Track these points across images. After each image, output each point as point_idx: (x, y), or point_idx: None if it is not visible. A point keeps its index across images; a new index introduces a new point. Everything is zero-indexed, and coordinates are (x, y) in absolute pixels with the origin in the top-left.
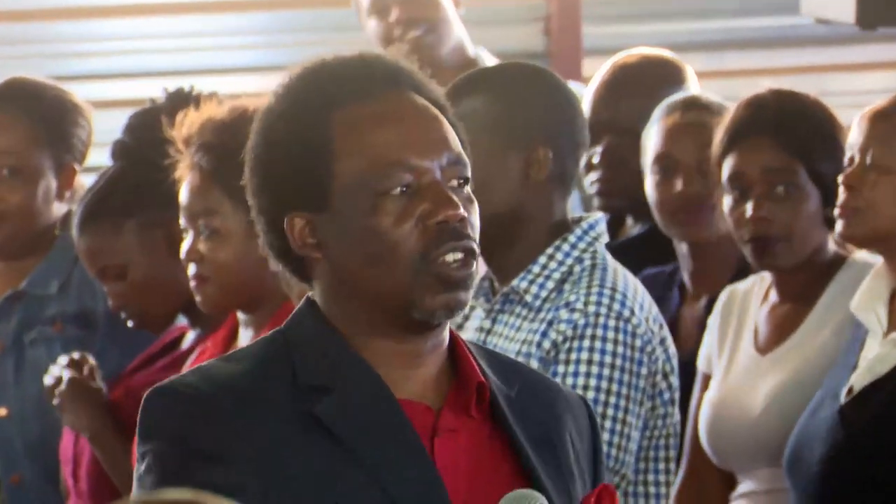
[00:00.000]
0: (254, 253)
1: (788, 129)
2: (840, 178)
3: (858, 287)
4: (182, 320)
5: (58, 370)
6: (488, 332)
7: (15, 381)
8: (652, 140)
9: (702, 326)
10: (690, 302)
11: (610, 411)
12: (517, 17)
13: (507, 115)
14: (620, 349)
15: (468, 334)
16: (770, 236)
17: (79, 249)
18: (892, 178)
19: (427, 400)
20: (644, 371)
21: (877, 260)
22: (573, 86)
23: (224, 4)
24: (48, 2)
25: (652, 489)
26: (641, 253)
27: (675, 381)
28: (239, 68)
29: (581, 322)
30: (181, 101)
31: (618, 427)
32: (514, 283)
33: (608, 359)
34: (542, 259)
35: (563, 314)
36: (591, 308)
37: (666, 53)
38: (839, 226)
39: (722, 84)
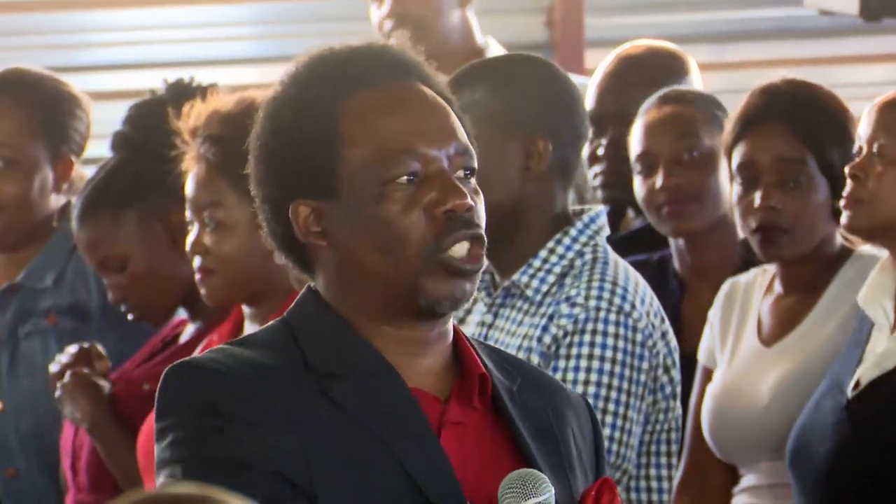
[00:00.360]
0: (259, 245)
1: (801, 119)
2: (847, 168)
3: (864, 280)
4: (182, 313)
5: (66, 358)
6: (490, 326)
7: (9, 374)
8: (633, 140)
9: (705, 321)
10: (693, 296)
11: (611, 406)
12: (520, 8)
13: (506, 106)
14: (621, 343)
15: (469, 328)
16: (777, 226)
17: (78, 241)
18: None
19: (435, 390)
20: (645, 365)
21: (883, 253)
22: (575, 78)
23: None
24: None
25: (654, 483)
26: (643, 246)
27: (676, 374)
28: (239, 59)
29: (582, 316)
30: (181, 92)
31: (619, 422)
32: (515, 277)
33: (609, 353)
34: (543, 253)
35: (564, 308)
36: (592, 302)
37: (669, 45)
38: (844, 216)
39: (725, 76)
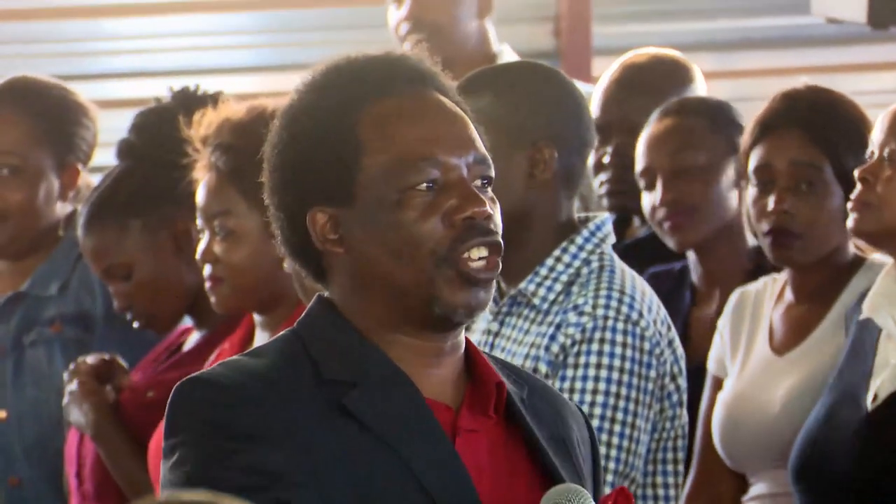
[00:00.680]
0: (269, 254)
1: (819, 125)
2: (856, 172)
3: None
4: (188, 321)
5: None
6: (496, 334)
7: (14, 383)
8: (637, 154)
9: (714, 329)
10: (702, 305)
11: (619, 415)
12: (527, 16)
13: (511, 113)
14: (629, 352)
15: (475, 336)
16: (790, 231)
17: (84, 249)
18: None
19: (447, 399)
20: (653, 374)
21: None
22: (582, 86)
23: (230, 4)
24: (54, 0)
25: (661, 491)
26: (649, 254)
27: (682, 382)
28: (244, 68)
29: (589, 325)
30: (187, 100)
31: (627, 430)
32: (522, 285)
33: (617, 362)
34: (549, 261)
35: (572, 317)
36: (600, 311)
37: (674, 53)
38: (851, 219)
39: (732, 84)
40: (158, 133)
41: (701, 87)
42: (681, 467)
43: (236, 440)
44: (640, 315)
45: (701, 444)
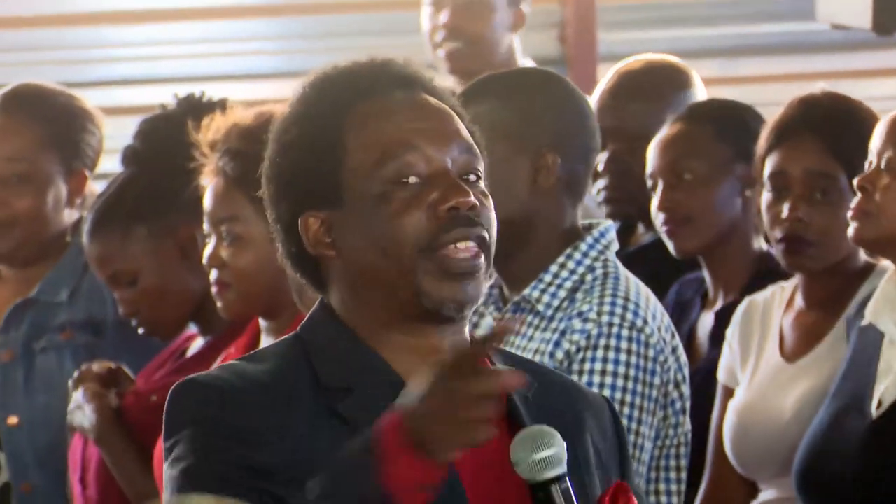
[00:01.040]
0: (276, 259)
1: (835, 134)
2: (855, 181)
3: None
4: (192, 327)
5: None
6: None
7: (25, 389)
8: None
9: (711, 336)
10: (707, 310)
11: (623, 421)
12: (532, 23)
13: (515, 119)
14: (634, 359)
15: None
16: (803, 238)
17: (89, 255)
18: None
19: None
20: (657, 381)
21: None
22: None
23: (236, 10)
24: (60, 8)
25: (663, 498)
26: (653, 261)
27: (686, 390)
28: (250, 74)
29: (594, 332)
30: (192, 107)
31: (631, 437)
32: (526, 292)
33: (622, 369)
34: (554, 268)
35: (576, 324)
36: (605, 318)
37: (670, 58)
38: (851, 228)
39: (737, 90)
40: (163, 140)
41: (700, 91)
42: (683, 475)
43: (230, 438)
44: (645, 322)
45: (713, 453)
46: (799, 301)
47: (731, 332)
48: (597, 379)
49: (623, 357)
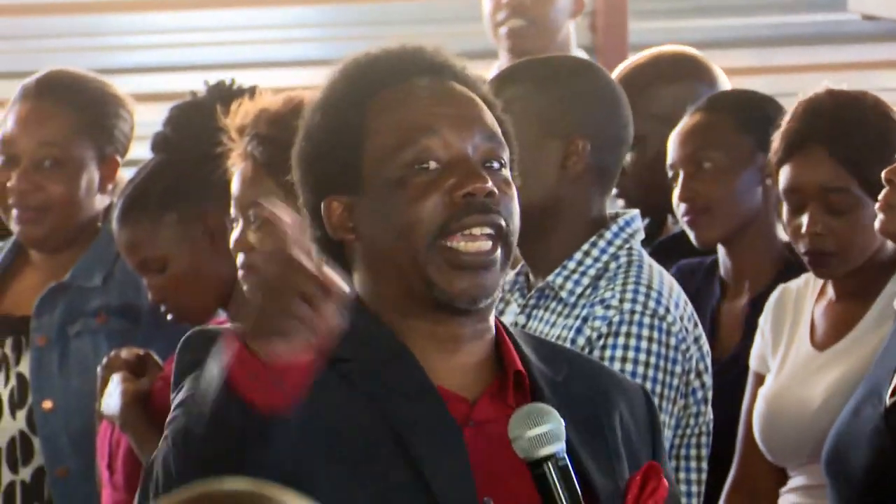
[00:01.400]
0: None
1: (844, 143)
2: (883, 174)
3: None
4: (221, 314)
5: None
6: (523, 327)
7: (60, 373)
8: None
9: (747, 325)
10: (731, 299)
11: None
12: None
13: (548, 104)
14: (655, 347)
15: None
16: (825, 251)
17: (119, 242)
18: None
19: (466, 389)
20: (678, 369)
21: None
22: None
23: None
24: None
25: (683, 487)
26: (680, 251)
27: (707, 379)
28: (281, 62)
29: (616, 319)
30: (222, 94)
31: None
32: (550, 278)
33: (643, 356)
34: (578, 255)
35: (598, 311)
36: (627, 305)
37: (679, 48)
38: (877, 221)
39: (769, 80)
40: (193, 126)
41: (709, 80)
42: (704, 464)
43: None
44: (667, 310)
45: (742, 440)
46: (830, 290)
47: (764, 319)
48: (617, 366)
49: (644, 344)
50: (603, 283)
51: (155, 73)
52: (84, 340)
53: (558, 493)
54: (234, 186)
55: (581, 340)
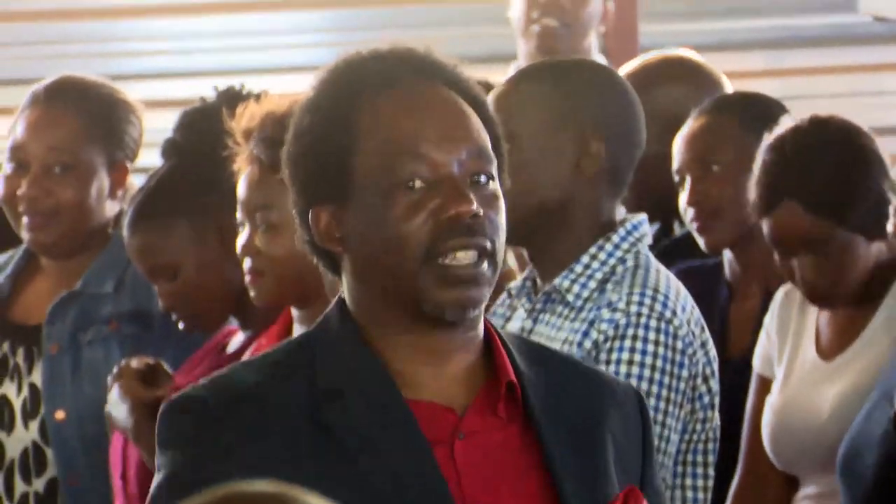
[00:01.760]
0: None
1: (815, 193)
2: None
3: None
4: (233, 322)
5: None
6: (530, 332)
7: (72, 381)
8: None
9: (759, 326)
10: (740, 301)
11: (650, 412)
12: None
13: (565, 104)
14: (662, 350)
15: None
16: (822, 293)
17: (129, 249)
18: None
19: (455, 400)
20: (685, 373)
21: None
22: None
23: (275, 4)
24: (103, 1)
25: (689, 493)
26: (685, 254)
27: (714, 385)
28: (291, 67)
29: (623, 322)
30: (232, 99)
31: (657, 428)
32: (557, 281)
33: (649, 359)
34: (585, 258)
35: (605, 314)
36: (633, 308)
37: (673, 52)
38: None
39: (780, 83)
40: (204, 132)
41: (708, 84)
42: (710, 470)
43: (207, 458)
44: (674, 314)
45: (747, 444)
46: None
47: (769, 320)
48: (623, 369)
49: (651, 348)
50: (610, 286)
51: (164, 80)
52: (96, 348)
53: None
54: (241, 190)
55: (588, 344)
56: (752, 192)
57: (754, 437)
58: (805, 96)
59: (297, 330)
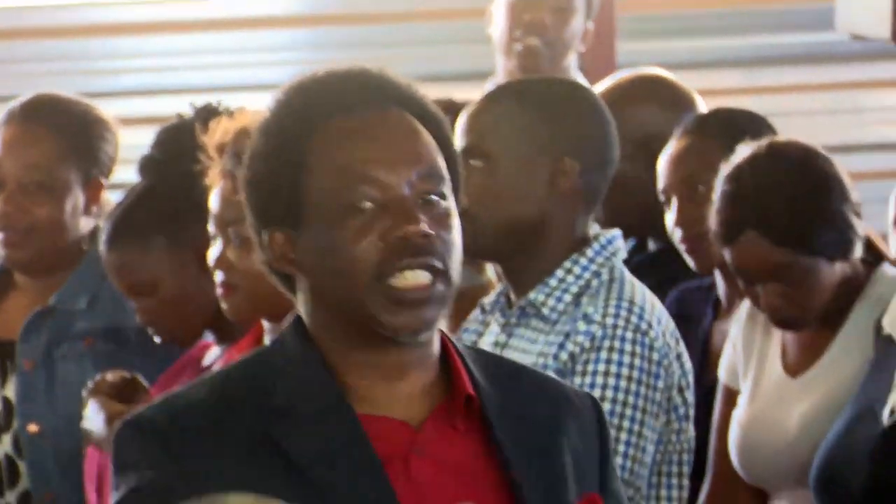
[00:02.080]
0: None
1: (775, 223)
2: None
3: (884, 302)
4: (209, 336)
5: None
6: (504, 346)
7: (46, 397)
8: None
9: None
10: (724, 319)
11: (626, 423)
12: None
13: (539, 122)
14: (637, 361)
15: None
16: (787, 319)
17: (107, 266)
18: None
19: (412, 415)
20: (661, 384)
21: None
22: None
23: (252, 21)
24: (78, 19)
25: None
26: (660, 269)
27: (689, 396)
28: (267, 85)
29: (599, 334)
30: (209, 116)
31: (633, 439)
32: (532, 295)
33: (625, 371)
34: (560, 272)
35: (581, 326)
36: (609, 320)
37: (644, 71)
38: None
39: (757, 100)
40: (181, 149)
41: (683, 103)
42: (685, 481)
43: (157, 480)
44: (650, 326)
45: (715, 456)
46: None
47: (735, 332)
48: (600, 380)
49: (627, 359)
50: (585, 299)
51: (141, 97)
52: (70, 364)
53: None
54: (213, 204)
55: (564, 356)
56: (712, 222)
57: (721, 448)
58: (781, 114)
59: (268, 342)
